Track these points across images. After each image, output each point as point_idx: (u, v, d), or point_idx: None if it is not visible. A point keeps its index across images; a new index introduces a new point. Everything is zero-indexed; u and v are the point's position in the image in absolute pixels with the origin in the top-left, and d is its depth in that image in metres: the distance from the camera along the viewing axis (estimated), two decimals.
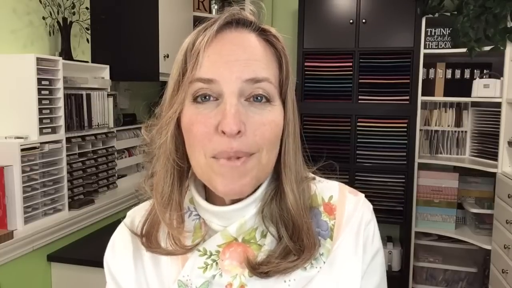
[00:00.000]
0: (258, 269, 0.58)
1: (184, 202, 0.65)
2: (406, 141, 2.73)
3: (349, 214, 0.64)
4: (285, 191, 0.60)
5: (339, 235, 0.62)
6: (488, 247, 2.52)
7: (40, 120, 1.79)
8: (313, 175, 0.67)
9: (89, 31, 2.30)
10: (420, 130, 2.78)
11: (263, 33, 0.61)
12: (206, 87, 0.57)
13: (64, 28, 2.09)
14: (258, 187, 0.62)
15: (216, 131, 0.56)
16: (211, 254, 0.61)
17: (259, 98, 0.57)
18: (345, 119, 2.80)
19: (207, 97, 0.57)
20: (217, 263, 0.60)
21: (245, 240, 0.61)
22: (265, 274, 0.58)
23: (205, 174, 0.59)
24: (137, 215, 0.69)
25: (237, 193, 0.58)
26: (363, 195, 0.67)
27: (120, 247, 0.68)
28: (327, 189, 0.66)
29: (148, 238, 0.64)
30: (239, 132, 0.55)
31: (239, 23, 0.60)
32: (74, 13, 2.16)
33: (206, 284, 0.60)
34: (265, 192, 0.62)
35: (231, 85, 0.56)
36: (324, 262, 0.60)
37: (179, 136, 0.61)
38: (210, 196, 0.64)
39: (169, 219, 0.62)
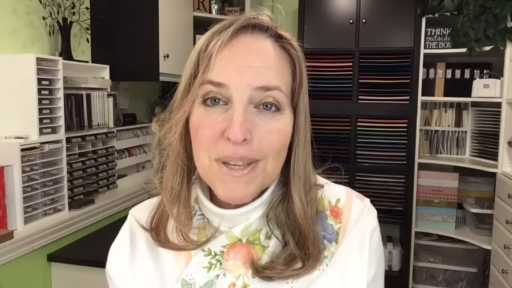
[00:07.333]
0: (262, 273, 0.58)
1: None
2: (406, 141, 2.73)
3: (354, 219, 0.64)
4: (293, 199, 0.60)
5: (344, 238, 0.63)
6: (488, 247, 2.52)
7: (40, 120, 1.79)
8: (321, 184, 0.66)
9: (89, 31, 2.30)
10: (420, 130, 2.77)
11: (279, 40, 0.59)
12: (216, 90, 0.56)
13: (64, 28, 2.09)
14: (265, 191, 0.61)
15: (222, 136, 0.55)
16: (215, 254, 0.61)
17: (268, 106, 0.57)
18: (345, 119, 2.80)
19: (216, 100, 0.57)
20: (221, 263, 0.61)
21: (249, 241, 0.61)
22: (269, 278, 0.58)
23: (208, 177, 0.59)
24: (140, 214, 0.70)
25: (239, 201, 0.58)
26: (368, 200, 0.67)
27: (117, 250, 0.69)
28: (334, 192, 0.67)
29: (157, 233, 0.65)
30: (244, 140, 0.54)
31: (255, 27, 0.58)
32: (74, 13, 2.16)
33: (209, 284, 0.60)
34: (272, 197, 0.62)
35: (240, 91, 0.55)
36: (327, 264, 0.61)
37: (187, 136, 0.61)
38: (215, 196, 0.64)
39: (178, 215, 0.62)
